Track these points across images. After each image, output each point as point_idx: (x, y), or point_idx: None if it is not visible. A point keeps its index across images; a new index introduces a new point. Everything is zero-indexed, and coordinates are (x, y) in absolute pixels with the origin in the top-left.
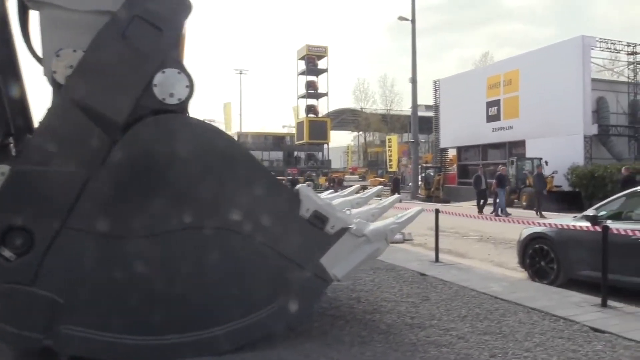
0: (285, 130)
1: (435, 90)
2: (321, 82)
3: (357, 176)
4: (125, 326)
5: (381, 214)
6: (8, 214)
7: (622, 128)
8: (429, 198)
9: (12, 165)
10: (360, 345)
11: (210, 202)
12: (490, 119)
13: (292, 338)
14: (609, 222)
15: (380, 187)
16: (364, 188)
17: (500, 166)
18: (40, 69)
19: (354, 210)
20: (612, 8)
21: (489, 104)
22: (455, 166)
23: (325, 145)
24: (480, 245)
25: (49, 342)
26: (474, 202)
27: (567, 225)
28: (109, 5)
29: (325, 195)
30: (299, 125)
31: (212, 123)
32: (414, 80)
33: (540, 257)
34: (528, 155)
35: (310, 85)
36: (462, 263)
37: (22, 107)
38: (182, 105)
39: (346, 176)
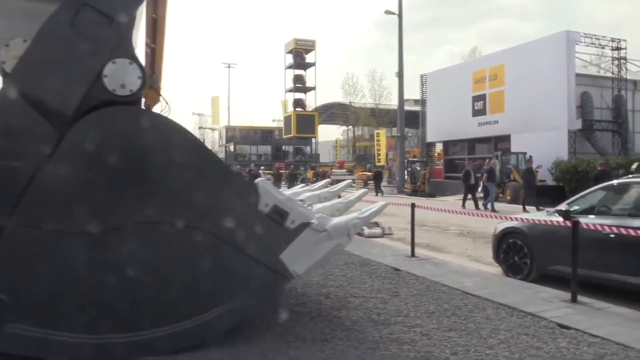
0: (274, 124)
1: (422, 84)
2: (309, 76)
3: (344, 170)
4: (67, 325)
5: (347, 208)
6: None
7: (606, 123)
8: (414, 192)
9: None
10: (321, 343)
11: (159, 195)
12: (476, 113)
13: (252, 336)
14: (580, 217)
15: (349, 181)
16: (333, 183)
17: (490, 160)
18: None
19: (318, 205)
20: (601, 4)
21: (475, 99)
22: (442, 160)
23: (313, 140)
24: (458, 240)
25: None
26: (461, 197)
27: (540, 220)
28: None
29: (295, 189)
30: (287, 119)
31: (201, 117)
32: (400, 75)
33: (514, 252)
34: (513, 149)
35: (298, 79)
36: (438, 258)
37: None
38: (134, 97)
39: (333, 170)
